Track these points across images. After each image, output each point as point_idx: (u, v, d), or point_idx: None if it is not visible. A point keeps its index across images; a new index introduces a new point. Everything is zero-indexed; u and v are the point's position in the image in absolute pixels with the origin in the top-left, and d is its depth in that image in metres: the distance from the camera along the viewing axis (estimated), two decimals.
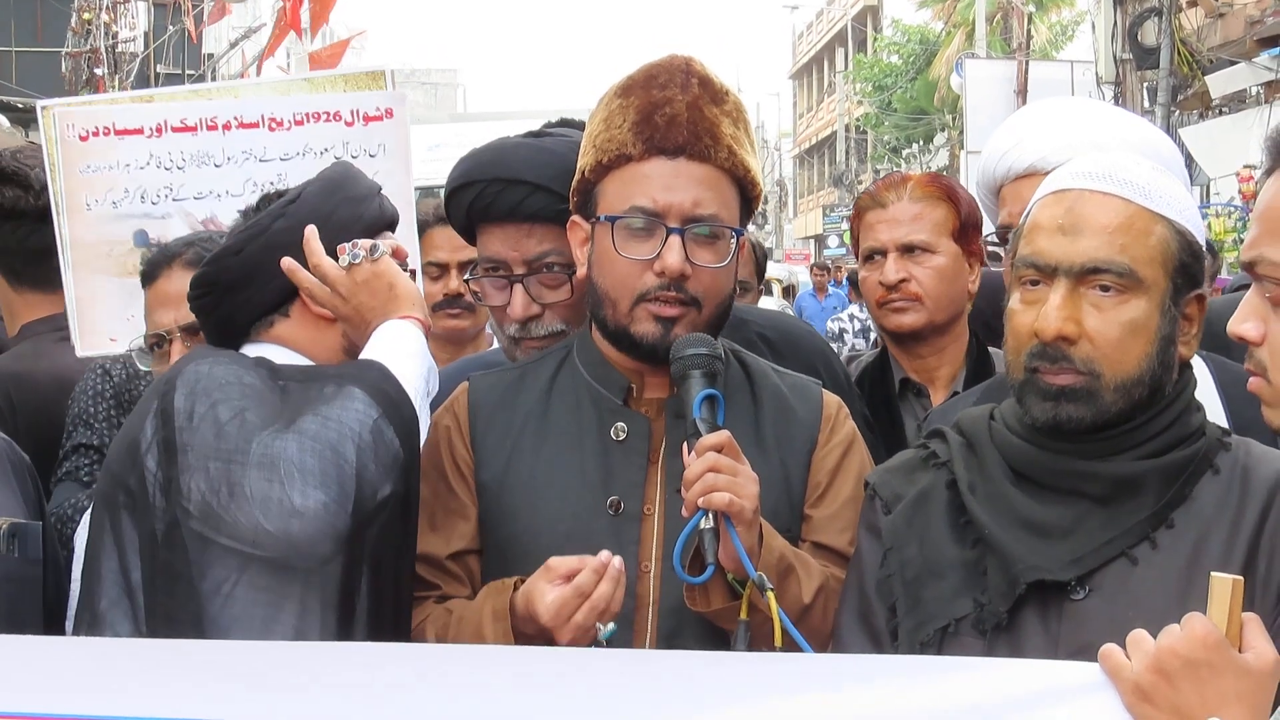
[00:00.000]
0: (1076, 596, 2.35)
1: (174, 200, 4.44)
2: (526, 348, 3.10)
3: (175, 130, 4.43)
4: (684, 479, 2.51)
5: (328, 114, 4.45)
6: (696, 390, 2.58)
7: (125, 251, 4.43)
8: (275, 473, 2.51)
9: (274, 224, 2.82)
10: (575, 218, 2.83)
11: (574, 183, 2.83)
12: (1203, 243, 2.45)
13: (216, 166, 4.43)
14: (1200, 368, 2.77)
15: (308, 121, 4.47)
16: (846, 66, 60.39)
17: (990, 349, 3.89)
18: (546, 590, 2.49)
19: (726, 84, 2.80)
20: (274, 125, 4.45)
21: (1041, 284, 2.40)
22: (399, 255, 2.89)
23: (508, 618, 2.56)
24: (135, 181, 4.43)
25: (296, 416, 2.60)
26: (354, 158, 4.20)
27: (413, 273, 2.95)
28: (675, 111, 2.70)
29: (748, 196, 2.79)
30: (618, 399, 2.77)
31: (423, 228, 4.65)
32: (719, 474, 2.47)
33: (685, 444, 2.56)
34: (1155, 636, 2.06)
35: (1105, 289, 2.36)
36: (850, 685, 2.16)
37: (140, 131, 4.43)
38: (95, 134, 4.42)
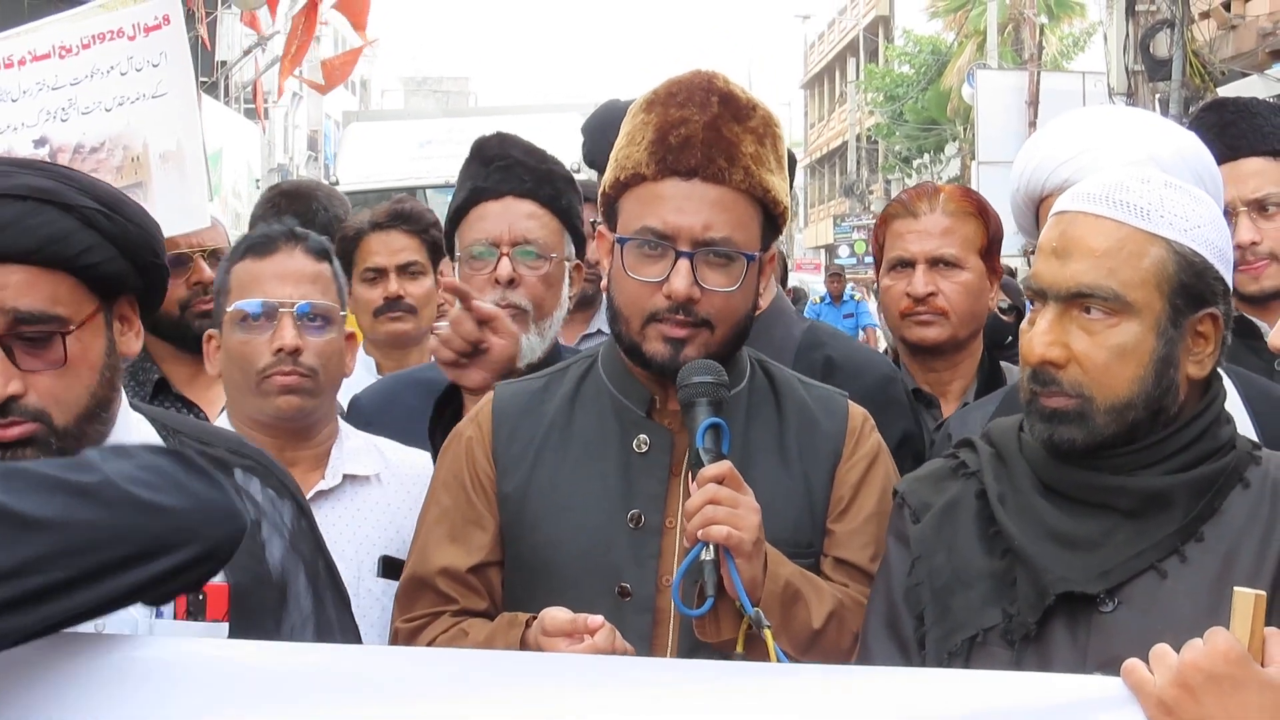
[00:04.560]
0: (1105, 609, 2.34)
1: None
2: None
3: None
4: (684, 510, 2.51)
5: (112, 32, 4.45)
6: (701, 419, 2.55)
7: None
8: None
9: None
10: (601, 227, 2.82)
11: (599, 195, 2.82)
12: (1216, 258, 2.36)
13: (13, 101, 4.44)
14: (1225, 383, 2.76)
15: (94, 43, 4.45)
16: (858, 76, 60.37)
17: (1003, 363, 3.89)
18: (560, 645, 2.46)
19: (755, 99, 2.74)
20: (64, 53, 4.44)
21: (1041, 306, 2.40)
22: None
23: None
24: None
25: None
26: (138, 71, 4.29)
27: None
28: (690, 132, 2.66)
29: (771, 215, 2.74)
30: (640, 410, 2.76)
31: (359, 235, 4.63)
32: (719, 506, 2.46)
33: (689, 474, 2.55)
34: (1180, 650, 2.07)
35: (1093, 313, 2.35)
36: (874, 697, 2.15)
37: None
38: None
